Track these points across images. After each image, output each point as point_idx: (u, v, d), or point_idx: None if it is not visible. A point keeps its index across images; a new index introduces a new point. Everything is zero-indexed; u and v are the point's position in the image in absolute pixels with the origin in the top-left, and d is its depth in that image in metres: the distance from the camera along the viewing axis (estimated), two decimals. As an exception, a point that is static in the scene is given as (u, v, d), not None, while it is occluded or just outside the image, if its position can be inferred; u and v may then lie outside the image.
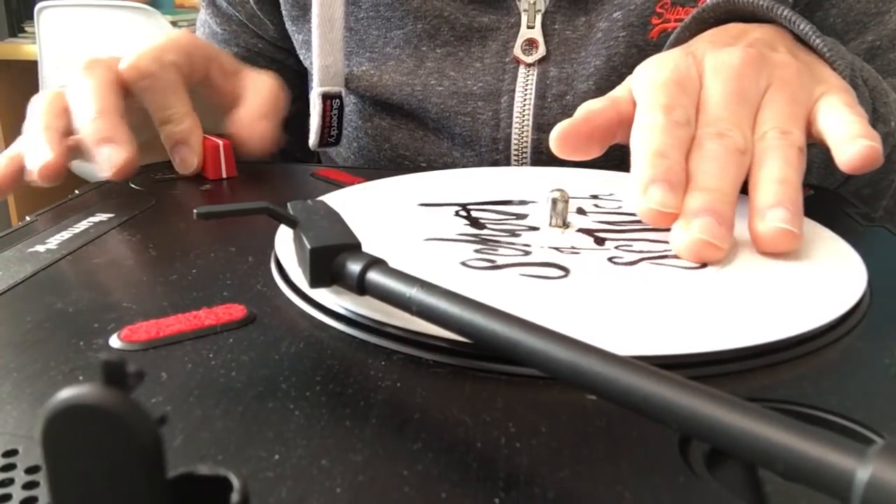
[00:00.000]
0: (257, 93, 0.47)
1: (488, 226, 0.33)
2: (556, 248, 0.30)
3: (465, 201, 0.36)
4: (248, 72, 0.49)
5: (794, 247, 0.29)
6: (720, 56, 0.35)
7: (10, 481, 0.17)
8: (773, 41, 0.37)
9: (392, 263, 0.24)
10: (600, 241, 0.31)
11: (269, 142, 0.46)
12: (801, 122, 0.33)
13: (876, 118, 0.41)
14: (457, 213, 0.34)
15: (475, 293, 0.21)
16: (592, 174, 0.41)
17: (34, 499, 0.17)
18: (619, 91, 0.37)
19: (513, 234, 0.32)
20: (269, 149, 0.47)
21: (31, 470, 0.18)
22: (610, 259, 0.29)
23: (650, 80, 0.34)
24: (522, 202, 0.36)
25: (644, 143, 0.32)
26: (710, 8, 0.40)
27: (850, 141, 0.31)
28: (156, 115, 0.43)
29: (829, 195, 0.42)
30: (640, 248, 0.30)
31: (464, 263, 0.28)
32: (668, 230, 0.30)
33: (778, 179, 0.30)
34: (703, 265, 0.28)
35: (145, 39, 0.45)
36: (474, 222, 0.33)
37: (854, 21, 0.49)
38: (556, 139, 0.34)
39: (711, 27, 0.40)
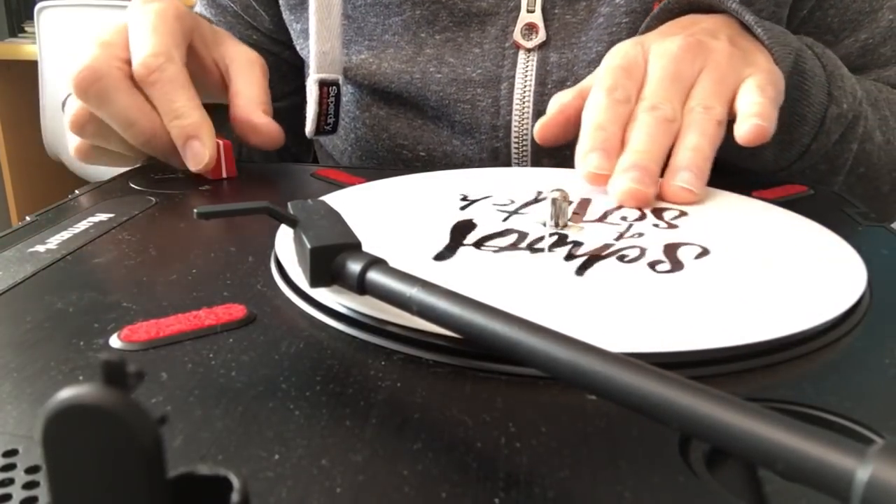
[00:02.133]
0: (250, 75, 0.47)
1: (485, 222, 0.33)
2: (550, 247, 0.30)
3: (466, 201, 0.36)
4: (230, 43, 0.48)
5: (692, 201, 0.36)
6: (664, 44, 0.40)
7: (10, 481, 0.17)
8: (716, 30, 0.42)
9: (390, 263, 0.24)
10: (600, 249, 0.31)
11: (278, 132, 0.46)
12: (723, 99, 0.38)
13: (830, 100, 0.45)
14: (458, 210, 0.34)
15: (464, 279, 0.21)
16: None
17: (34, 499, 0.17)
18: (587, 81, 0.42)
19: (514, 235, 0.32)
20: (280, 139, 0.46)
21: (31, 470, 0.18)
22: (614, 256, 0.29)
23: (603, 68, 0.40)
24: (536, 200, 0.36)
25: (588, 119, 0.38)
26: (674, 1, 0.46)
27: (746, 119, 0.37)
28: (163, 109, 0.42)
29: (828, 195, 0.42)
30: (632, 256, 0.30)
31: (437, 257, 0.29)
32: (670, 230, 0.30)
33: (691, 147, 0.37)
34: (678, 267, 0.28)
35: (132, 17, 0.43)
36: (468, 224, 0.33)
37: (850, 20, 0.52)
38: (538, 132, 0.42)
39: (676, 17, 0.45)
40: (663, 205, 0.36)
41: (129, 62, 0.42)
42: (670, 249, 0.30)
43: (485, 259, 0.29)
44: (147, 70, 0.41)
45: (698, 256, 0.29)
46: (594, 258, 0.29)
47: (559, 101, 0.42)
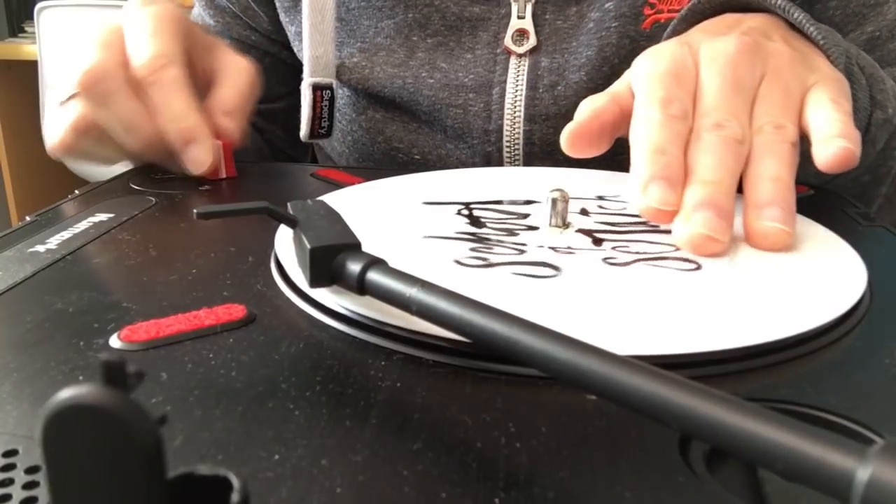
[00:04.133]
0: (232, 81, 0.45)
1: (488, 225, 0.33)
2: (552, 248, 0.30)
3: (468, 200, 0.36)
4: (222, 50, 0.47)
5: (787, 244, 0.30)
6: (715, 45, 0.35)
7: (10, 481, 0.17)
8: (767, 30, 0.37)
9: (389, 261, 0.24)
10: (598, 242, 0.31)
11: (238, 137, 0.45)
12: (793, 115, 0.34)
13: (874, 105, 0.41)
14: (458, 212, 0.34)
15: (466, 290, 0.21)
16: (594, 174, 0.41)
17: (34, 499, 0.17)
18: (619, 85, 0.37)
19: (511, 233, 0.32)
20: (238, 145, 0.45)
21: (31, 470, 0.18)
22: (605, 259, 0.29)
23: (647, 73, 0.35)
24: (527, 202, 0.36)
25: (643, 140, 0.32)
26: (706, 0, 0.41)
27: (828, 141, 0.32)
28: (161, 111, 0.42)
29: (828, 195, 0.42)
30: (637, 250, 0.30)
31: (458, 261, 0.28)
32: (667, 231, 0.30)
33: (772, 177, 0.31)
34: (699, 267, 0.28)
35: (130, 18, 0.43)
36: (474, 221, 0.33)
37: (853, 13, 0.49)
38: (568, 139, 0.35)
39: (708, 18, 0.41)
40: None
41: (126, 65, 0.42)
42: (665, 254, 0.30)
43: (478, 257, 0.29)
44: (149, 71, 0.41)
45: (694, 259, 0.29)
46: (589, 259, 0.29)
47: (593, 106, 0.36)
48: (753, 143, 0.32)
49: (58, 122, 0.44)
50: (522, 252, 0.29)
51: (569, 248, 0.30)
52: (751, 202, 0.31)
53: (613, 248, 0.30)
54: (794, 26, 0.39)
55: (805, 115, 0.34)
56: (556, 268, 0.28)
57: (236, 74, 0.46)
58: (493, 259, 0.29)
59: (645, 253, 0.30)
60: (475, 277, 0.27)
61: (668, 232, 0.30)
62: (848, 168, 0.32)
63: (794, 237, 0.30)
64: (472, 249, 0.30)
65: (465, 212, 0.34)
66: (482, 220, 0.33)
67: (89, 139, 0.43)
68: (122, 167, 0.48)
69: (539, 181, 0.39)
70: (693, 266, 0.28)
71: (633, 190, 0.31)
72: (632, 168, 0.32)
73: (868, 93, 0.41)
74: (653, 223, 0.33)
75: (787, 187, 0.31)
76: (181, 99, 0.41)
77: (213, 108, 0.44)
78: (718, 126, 0.32)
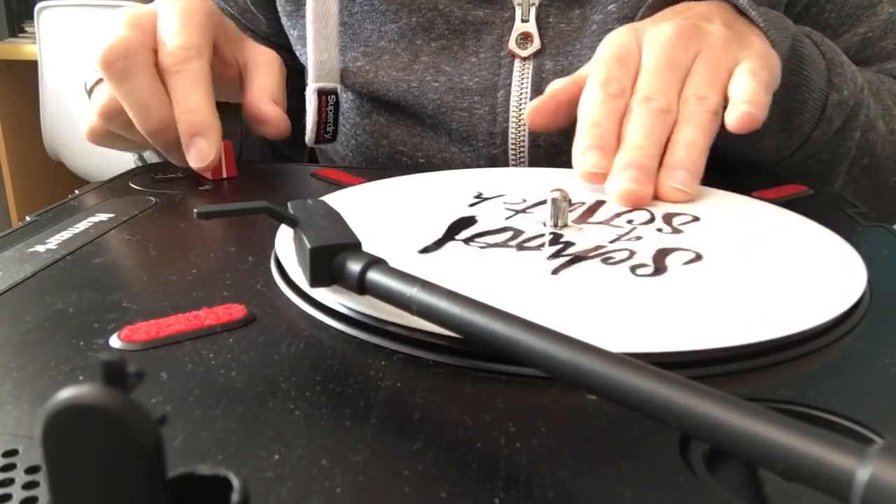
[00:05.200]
0: (266, 70, 0.47)
1: (487, 219, 0.33)
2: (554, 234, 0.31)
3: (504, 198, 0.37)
4: (249, 41, 0.48)
5: (686, 200, 0.36)
6: (657, 29, 0.40)
7: (10, 481, 0.17)
8: (710, 15, 0.41)
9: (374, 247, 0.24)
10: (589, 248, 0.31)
11: (284, 123, 0.46)
12: (718, 87, 0.38)
13: (830, 87, 0.45)
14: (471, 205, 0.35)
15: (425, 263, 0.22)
16: None
17: (34, 499, 0.17)
18: (583, 70, 0.42)
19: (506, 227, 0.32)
20: (286, 130, 0.46)
21: (31, 470, 0.18)
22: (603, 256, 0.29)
23: (596, 58, 0.40)
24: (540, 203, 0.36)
25: (583, 116, 0.38)
26: None
27: (736, 105, 0.36)
28: (178, 100, 0.42)
29: (828, 195, 0.42)
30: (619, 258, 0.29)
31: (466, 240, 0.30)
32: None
33: (686, 143, 0.37)
34: (659, 270, 0.28)
35: (167, 8, 0.43)
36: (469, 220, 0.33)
37: (847, 14, 0.52)
38: (528, 117, 0.42)
39: (670, 6, 0.44)
40: (674, 210, 0.35)
41: (155, 50, 0.42)
42: (662, 253, 0.30)
43: (468, 254, 0.29)
44: (175, 60, 0.41)
45: (694, 259, 0.29)
46: (578, 259, 0.29)
47: (552, 87, 0.42)
48: (679, 112, 0.37)
49: (88, 110, 0.45)
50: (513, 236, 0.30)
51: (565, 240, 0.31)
52: (665, 164, 0.37)
53: (613, 251, 0.30)
54: (742, 12, 0.43)
55: (729, 85, 0.38)
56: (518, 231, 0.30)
57: (268, 64, 0.47)
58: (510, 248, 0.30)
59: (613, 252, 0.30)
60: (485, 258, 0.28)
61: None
62: (751, 128, 0.36)
63: (695, 195, 0.36)
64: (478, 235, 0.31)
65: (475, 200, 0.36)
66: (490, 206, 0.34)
67: (117, 123, 0.44)
68: (122, 167, 0.48)
69: (544, 182, 0.39)
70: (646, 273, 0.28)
71: (574, 158, 0.38)
72: (574, 140, 0.38)
73: (826, 75, 0.44)
74: (656, 229, 0.33)
75: (698, 152, 0.37)
76: (200, 93, 0.42)
77: (256, 96, 0.46)
78: (647, 99, 0.37)
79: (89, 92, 0.47)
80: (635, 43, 0.40)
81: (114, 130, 0.45)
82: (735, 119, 0.36)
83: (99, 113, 0.44)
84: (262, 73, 0.47)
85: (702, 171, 0.37)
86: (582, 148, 0.37)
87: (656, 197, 0.36)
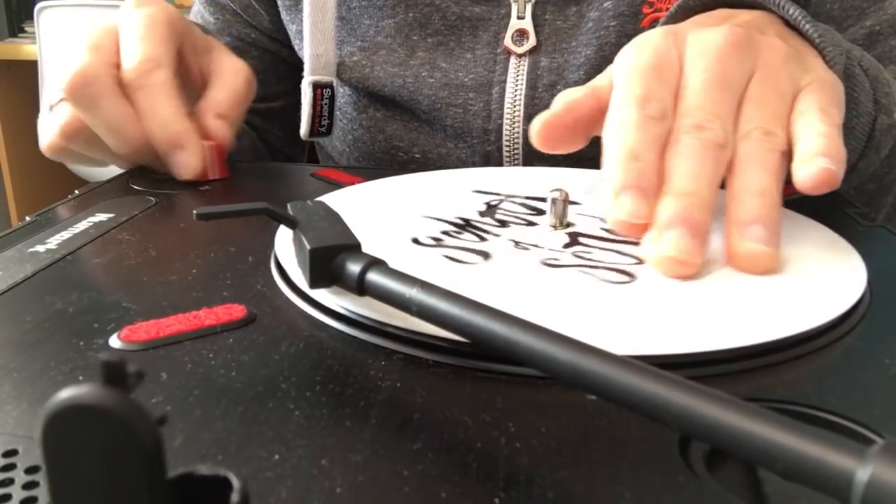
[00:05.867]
0: (225, 82, 0.45)
1: (495, 215, 0.33)
2: (515, 241, 0.31)
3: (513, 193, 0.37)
4: (219, 52, 0.47)
5: (771, 267, 0.28)
6: (704, 36, 0.32)
7: (10, 481, 0.17)
8: (762, 24, 0.35)
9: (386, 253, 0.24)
10: (573, 243, 0.31)
11: (225, 140, 0.44)
12: (784, 120, 0.31)
13: (878, 109, 0.39)
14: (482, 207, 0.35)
15: (395, 263, 0.23)
16: (595, 174, 0.41)
17: (34, 499, 0.17)
18: (601, 79, 0.34)
19: (504, 224, 0.32)
20: (228, 145, 0.45)
21: (31, 470, 0.18)
22: (545, 260, 0.29)
23: (627, 67, 0.32)
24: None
25: (616, 142, 0.30)
26: None
27: (809, 160, 0.29)
28: (147, 115, 0.41)
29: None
30: (599, 258, 0.29)
31: (415, 239, 0.30)
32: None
33: (757, 191, 0.29)
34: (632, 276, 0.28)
35: (124, 20, 0.43)
36: (488, 210, 0.33)
37: (852, 6, 0.48)
38: (538, 132, 0.33)
39: (698, 15, 0.38)
40: None
41: (118, 66, 0.42)
42: None
43: (468, 254, 0.29)
44: (136, 74, 0.41)
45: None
46: (582, 259, 0.29)
47: (567, 98, 0.33)
48: (739, 149, 0.30)
49: (49, 125, 0.44)
50: (483, 240, 0.31)
51: (535, 244, 0.30)
52: (734, 219, 0.28)
53: (579, 251, 0.30)
54: (790, 24, 0.37)
55: (792, 122, 0.31)
56: (486, 256, 0.29)
57: (232, 76, 0.46)
58: (447, 241, 0.30)
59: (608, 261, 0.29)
60: (415, 254, 0.29)
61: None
62: (828, 190, 0.29)
63: (778, 259, 0.28)
64: (443, 231, 0.31)
65: (484, 203, 0.36)
66: (495, 209, 0.34)
67: (79, 142, 0.43)
68: (117, 168, 0.48)
69: (541, 181, 0.39)
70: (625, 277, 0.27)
71: (605, 199, 0.29)
72: (603, 173, 0.30)
73: (872, 96, 0.38)
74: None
75: (773, 203, 0.29)
76: (168, 104, 0.41)
77: (205, 110, 0.44)
78: (699, 128, 0.29)
79: (52, 108, 0.46)
80: (675, 51, 0.32)
81: (74, 149, 0.44)
82: (809, 177, 0.29)
83: (60, 132, 0.43)
84: (220, 84, 0.45)
85: (780, 228, 0.29)
86: (616, 187, 0.29)
87: (730, 262, 0.28)
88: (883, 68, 0.41)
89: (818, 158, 0.29)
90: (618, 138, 0.30)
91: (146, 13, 0.43)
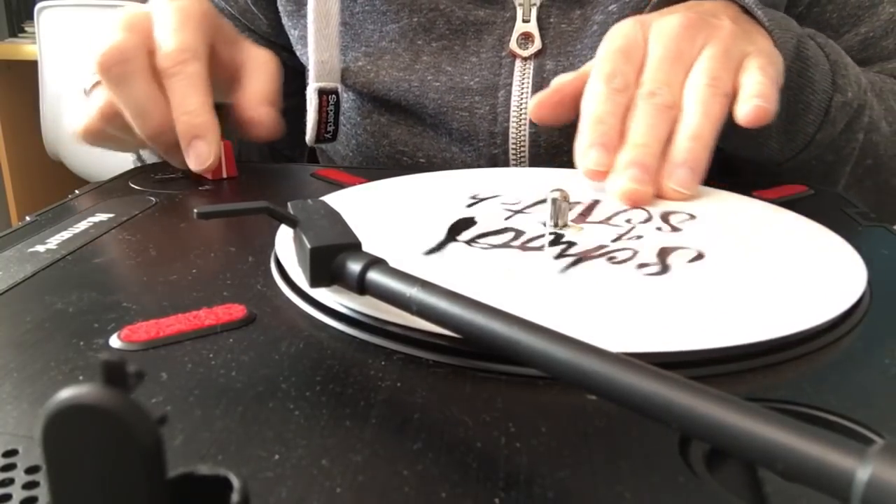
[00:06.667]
0: (261, 72, 0.47)
1: (486, 218, 0.33)
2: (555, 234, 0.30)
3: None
4: (246, 43, 0.48)
5: (688, 198, 0.36)
6: (663, 22, 0.39)
7: (10, 481, 0.17)
8: (718, 11, 0.41)
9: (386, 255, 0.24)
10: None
11: (276, 126, 0.46)
12: (731, 72, 0.38)
13: (835, 88, 0.44)
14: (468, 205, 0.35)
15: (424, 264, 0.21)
16: None
17: (34, 499, 0.17)
18: (589, 64, 0.41)
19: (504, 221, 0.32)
20: (277, 133, 0.46)
21: (31, 470, 0.18)
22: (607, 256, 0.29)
23: (601, 51, 0.40)
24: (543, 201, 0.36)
25: (586, 111, 0.38)
26: None
27: (747, 99, 0.36)
28: (176, 102, 0.42)
29: (828, 195, 0.42)
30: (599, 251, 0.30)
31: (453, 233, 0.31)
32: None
33: (691, 135, 0.36)
34: (670, 269, 0.28)
35: (162, 9, 0.43)
36: (468, 222, 0.33)
37: (849, 15, 0.52)
38: (532, 111, 0.42)
39: (677, 3, 0.44)
40: (671, 208, 0.35)
41: (152, 52, 0.42)
42: (665, 252, 0.30)
43: (473, 255, 0.29)
44: (172, 62, 0.41)
45: (695, 259, 0.29)
46: (583, 258, 0.29)
47: (557, 81, 0.42)
48: (686, 97, 0.37)
49: (85, 108, 0.45)
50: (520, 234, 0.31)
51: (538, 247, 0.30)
52: (668, 159, 0.36)
53: (613, 250, 0.30)
54: (748, 11, 0.43)
55: (737, 78, 0.38)
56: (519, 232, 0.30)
57: (263, 66, 0.47)
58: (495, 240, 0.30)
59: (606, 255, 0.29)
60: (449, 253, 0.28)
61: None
62: (762, 123, 0.36)
63: (695, 194, 0.36)
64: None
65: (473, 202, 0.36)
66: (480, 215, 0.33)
67: (115, 125, 0.44)
68: (122, 167, 0.48)
69: (542, 182, 0.39)
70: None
71: (577, 155, 0.37)
72: (577, 136, 0.38)
73: (831, 77, 0.44)
74: (655, 228, 0.33)
75: (703, 146, 0.36)
76: (198, 95, 0.42)
77: (249, 100, 0.45)
78: (651, 94, 0.37)
79: (88, 93, 0.47)
80: (641, 35, 0.39)
81: (111, 132, 0.45)
82: (746, 113, 0.36)
83: (99, 114, 0.44)
84: (257, 75, 0.46)
85: (706, 166, 0.36)
86: (585, 144, 0.37)
87: (657, 195, 0.36)
88: (844, 54, 0.46)
89: (754, 98, 0.36)
90: (589, 108, 0.38)
91: (180, 5, 0.44)
